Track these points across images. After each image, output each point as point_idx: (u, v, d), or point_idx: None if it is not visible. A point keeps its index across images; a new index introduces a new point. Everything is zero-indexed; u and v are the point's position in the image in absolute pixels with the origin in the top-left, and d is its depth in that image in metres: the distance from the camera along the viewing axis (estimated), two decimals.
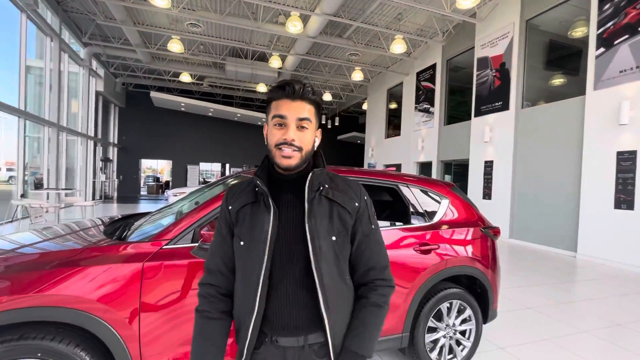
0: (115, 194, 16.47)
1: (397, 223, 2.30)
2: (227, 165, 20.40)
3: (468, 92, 9.62)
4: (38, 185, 8.55)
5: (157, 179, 22.03)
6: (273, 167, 0.94)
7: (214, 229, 1.62)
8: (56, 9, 9.53)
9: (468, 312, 2.33)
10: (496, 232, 2.60)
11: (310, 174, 0.91)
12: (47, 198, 8.51)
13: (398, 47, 10.04)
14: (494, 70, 8.56)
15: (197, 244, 1.63)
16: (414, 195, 2.37)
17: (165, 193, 19.45)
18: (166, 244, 1.62)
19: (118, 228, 2.08)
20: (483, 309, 2.42)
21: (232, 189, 1.01)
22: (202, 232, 1.63)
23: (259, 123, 19.40)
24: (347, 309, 0.93)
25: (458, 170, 10.79)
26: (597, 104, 6.20)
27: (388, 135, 14.41)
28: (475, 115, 9.09)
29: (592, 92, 6.28)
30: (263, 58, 13.20)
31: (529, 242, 7.55)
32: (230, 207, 0.96)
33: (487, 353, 2.59)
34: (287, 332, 0.89)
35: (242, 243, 0.91)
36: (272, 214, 0.88)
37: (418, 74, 11.90)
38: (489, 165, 8.65)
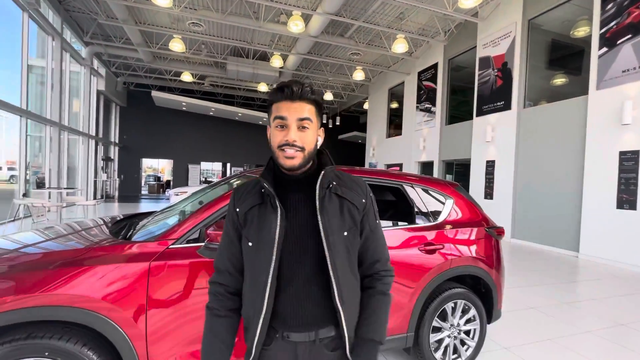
0: (117, 194, 16.49)
1: (401, 223, 2.30)
2: (228, 165, 20.41)
3: (470, 92, 9.61)
4: (40, 184, 8.56)
5: (158, 179, 22.05)
6: (278, 168, 0.96)
7: (219, 228, 1.62)
8: (58, 8, 9.53)
9: (472, 312, 2.33)
10: (500, 232, 2.60)
11: (323, 172, 0.93)
12: (49, 197, 8.51)
13: (400, 46, 10.03)
14: (496, 70, 8.54)
15: (203, 244, 1.63)
16: (419, 195, 2.37)
17: (166, 192, 19.48)
18: (172, 244, 1.62)
19: (123, 227, 2.08)
20: (487, 308, 2.41)
21: (238, 190, 1.02)
22: (208, 231, 1.63)
23: (260, 122, 19.40)
24: (356, 301, 0.97)
25: (459, 170, 10.78)
26: (599, 104, 6.19)
27: (389, 135, 14.40)
28: (477, 115, 9.08)
29: (595, 91, 6.27)
30: (264, 57, 13.19)
31: (530, 242, 7.54)
32: (237, 209, 0.98)
33: (491, 353, 2.59)
34: (298, 328, 0.91)
35: (250, 244, 0.93)
36: (279, 214, 0.89)
37: (419, 73, 11.89)
38: (490, 165, 8.64)
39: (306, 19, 9.50)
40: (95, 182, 13.53)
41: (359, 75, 13.17)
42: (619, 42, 5.91)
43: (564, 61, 8.27)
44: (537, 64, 8.06)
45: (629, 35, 5.75)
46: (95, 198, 13.08)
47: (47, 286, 1.37)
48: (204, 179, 20.00)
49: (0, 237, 1.94)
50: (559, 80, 8.24)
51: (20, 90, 8.12)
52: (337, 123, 19.07)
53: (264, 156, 20.36)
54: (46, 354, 1.37)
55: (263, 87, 15.55)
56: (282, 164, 0.91)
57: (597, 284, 4.69)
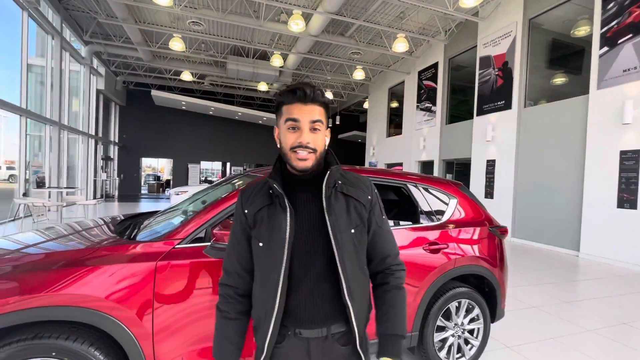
0: (116, 193, 16.47)
1: (406, 222, 2.30)
2: (228, 164, 20.40)
3: (470, 91, 9.61)
4: (40, 183, 8.54)
5: (157, 178, 22.02)
6: (286, 168, 0.97)
7: (225, 228, 1.63)
8: (57, 7, 9.50)
9: (476, 311, 2.33)
10: (503, 231, 2.60)
11: (329, 171, 0.95)
12: (49, 197, 8.50)
13: (400, 45, 10.03)
14: (496, 69, 8.54)
15: (209, 243, 1.63)
16: (422, 195, 2.37)
17: (166, 192, 19.46)
18: (178, 243, 1.62)
19: (128, 227, 2.07)
20: (491, 308, 2.42)
21: (245, 191, 1.03)
22: (214, 231, 1.63)
23: (260, 122, 19.39)
24: (366, 297, 0.99)
25: (460, 169, 10.80)
26: (600, 103, 6.20)
27: (389, 134, 14.40)
28: (478, 115, 9.08)
29: (596, 91, 6.28)
30: (264, 57, 13.17)
31: (531, 241, 7.55)
32: (246, 211, 0.98)
33: (494, 352, 2.60)
34: (310, 325, 0.93)
35: (261, 244, 0.94)
36: (288, 214, 0.91)
37: (420, 72, 11.88)
38: (491, 165, 8.65)
39: (306, 18, 9.48)
40: (95, 181, 13.50)
41: (359, 74, 13.15)
42: (619, 41, 5.92)
43: (564, 60, 8.28)
44: (537, 64, 8.07)
45: (630, 35, 5.76)
46: (95, 197, 13.06)
47: (54, 286, 1.37)
48: (203, 179, 19.97)
49: (5, 238, 1.94)
50: (560, 80, 8.25)
51: (20, 89, 8.10)
52: (337, 122, 19.07)
53: (264, 155, 20.36)
54: (53, 354, 1.37)
55: (263, 87, 15.53)
56: (295, 166, 0.92)
57: (597, 283, 4.71)
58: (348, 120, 21.13)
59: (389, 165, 13.73)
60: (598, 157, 6.19)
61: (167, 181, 21.14)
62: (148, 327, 1.50)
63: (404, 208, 2.41)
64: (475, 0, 7.28)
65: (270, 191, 0.96)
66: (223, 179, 3.12)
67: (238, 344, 0.99)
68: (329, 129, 1.00)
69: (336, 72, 14.55)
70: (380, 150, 14.83)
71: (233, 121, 19.37)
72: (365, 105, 16.91)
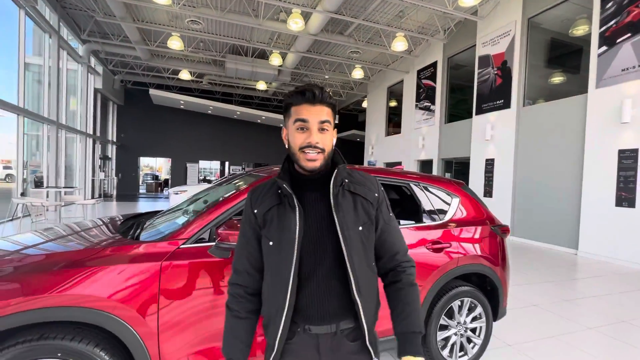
0: (115, 192, 16.40)
1: (409, 222, 2.31)
2: (227, 163, 20.36)
3: (469, 90, 9.63)
4: (38, 183, 8.50)
5: (155, 177, 21.95)
6: (294, 168, 0.99)
7: (230, 228, 1.62)
8: (55, 6, 9.43)
9: (479, 309, 2.34)
10: (505, 230, 2.61)
11: (336, 170, 0.97)
12: (47, 196, 8.46)
13: (399, 44, 10.03)
14: (495, 69, 8.56)
15: (214, 243, 1.62)
16: (425, 194, 2.38)
17: (165, 191, 19.40)
18: (183, 243, 1.62)
19: (131, 227, 2.07)
20: (493, 306, 2.43)
21: (254, 192, 1.04)
22: (218, 231, 1.63)
23: (259, 121, 19.35)
24: (374, 294, 1.00)
25: (458, 169, 10.83)
26: (599, 102, 6.23)
27: (388, 133, 14.41)
28: (477, 114, 9.10)
29: (594, 90, 6.30)
30: (263, 55, 13.14)
31: (530, 240, 7.59)
32: (256, 211, 1.00)
33: (496, 350, 2.61)
34: (319, 321, 0.94)
35: (271, 243, 0.96)
36: (298, 214, 0.92)
37: (419, 71, 11.89)
38: (490, 163, 8.68)
39: (306, 16, 9.46)
40: (93, 181, 13.44)
41: (357, 73, 13.15)
42: (618, 40, 5.94)
43: (563, 60, 8.31)
44: (536, 63, 8.09)
45: (629, 34, 5.79)
46: (93, 197, 13.01)
47: (59, 287, 1.36)
48: (202, 178, 19.93)
49: (4, 239, 1.93)
50: (558, 79, 8.27)
51: (17, 88, 8.04)
52: (336, 121, 18.94)
53: (262, 155, 20.34)
54: (59, 354, 1.37)
55: (262, 86, 15.49)
56: (304, 166, 0.94)
57: (596, 281, 4.74)
58: (347, 120, 21.13)
59: (388, 164, 13.74)
60: (596, 156, 6.22)
61: (166, 180, 21.09)
62: (153, 327, 1.49)
63: (407, 207, 2.42)
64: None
65: (279, 191, 0.98)
66: (225, 178, 3.11)
67: (247, 342, 1.01)
68: (335, 129, 1.01)
69: (335, 71, 14.54)
70: (379, 149, 14.84)
71: (232, 120, 19.32)
72: (364, 104, 16.91)
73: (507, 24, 8.23)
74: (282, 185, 0.95)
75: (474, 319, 2.35)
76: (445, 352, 2.25)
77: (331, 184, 0.95)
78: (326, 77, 14.80)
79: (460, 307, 2.30)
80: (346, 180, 0.99)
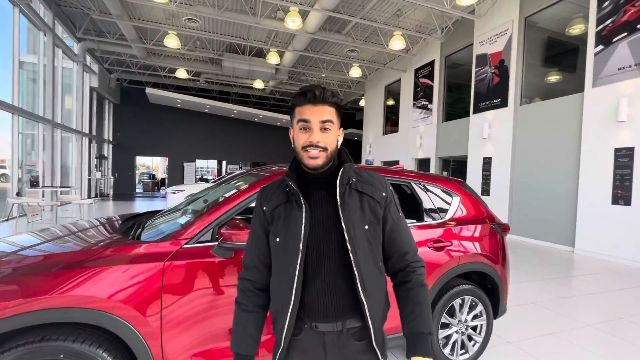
0: (111, 192, 16.29)
1: (410, 220, 2.31)
2: (224, 162, 20.29)
3: (466, 89, 9.66)
4: (34, 183, 8.42)
5: (152, 177, 21.83)
6: (301, 167, 1.00)
7: (233, 227, 1.61)
8: (49, 3, 9.33)
9: (479, 307, 2.35)
10: (505, 228, 2.63)
11: (342, 169, 0.98)
12: (43, 196, 8.38)
13: (397, 43, 10.03)
14: (492, 67, 8.59)
15: (216, 243, 1.62)
16: (426, 193, 2.38)
17: (161, 190, 19.31)
18: (186, 243, 1.61)
19: (131, 227, 2.05)
20: (493, 304, 2.44)
21: (264, 190, 1.07)
22: (221, 230, 1.62)
23: (256, 120, 19.29)
24: (381, 294, 1.00)
25: (456, 167, 10.87)
26: (595, 101, 6.27)
27: (386, 132, 14.43)
28: (474, 112, 9.14)
29: (591, 89, 6.35)
30: (260, 54, 13.09)
31: (527, 238, 7.64)
32: (264, 208, 1.03)
33: (496, 348, 2.63)
34: (326, 318, 0.95)
35: (277, 240, 0.98)
36: (304, 211, 0.94)
37: (416, 70, 11.91)
38: (487, 162, 8.72)
39: (303, 15, 9.43)
40: (89, 180, 13.34)
41: (355, 72, 13.14)
42: (614, 40, 5.98)
43: (560, 59, 8.35)
44: (533, 62, 8.13)
45: (625, 33, 5.83)
46: (89, 196, 12.91)
47: (60, 288, 1.35)
48: (199, 177, 19.84)
49: (3, 241, 1.91)
50: (555, 78, 8.32)
51: (11, 86, 7.95)
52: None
53: (260, 154, 20.29)
54: (61, 356, 1.36)
55: (259, 84, 15.44)
56: (306, 164, 0.96)
57: (593, 279, 4.78)
58: (344, 118, 20.73)
59: (386, 163, 13.77)
60: (593, 154, 6.27)
61: (162, 180, 20.98)
62: (156, 328, 1.49)
63: (408, 206, 2.42)
64: None
65: (287, 189, 1.00)
66: (223, 177, 3.09)
67: (256, 337, 1.02)
68: (341, 128, 1.02)
69: (332, 70, 14.52)
70: (377, 148, 14.86)
71: (229, 119, 19.25)
72: (362, 103, 16.91)
73: (504, 23, 8.26)
74: (289, 183, 0.97)
75: (474, 317, 2.36)
76: (446, 350, 2.26)
77: (337, 183, 0.96)
78: (323, 75, 14.78)
79: (462, 306, 2.31)
80: (353, 179, 0.99)
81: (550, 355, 2.57)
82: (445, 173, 11.03)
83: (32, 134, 9.67)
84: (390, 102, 14.43)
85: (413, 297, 0.99)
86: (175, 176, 18.65)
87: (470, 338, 2.36)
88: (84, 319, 1.39)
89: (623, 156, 5.81)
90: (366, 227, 0.96)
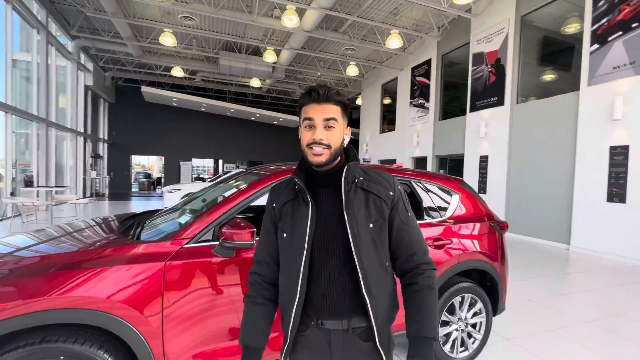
0: (107, 191, 16.16)
1: None
2: (220, 161, 20.20)
3: (463, 88, 9.69)
4: (28, 182, 8.32)
5: (148, 176, 21.68)
6: (309, 166, 1.02)
7: (233, 227, 1.60)
8: (43, 0, 9.20)
9: (479, 305, 2.37)
10: (503, 226, 2.64)
11: (346, 167, 1.00)
12: (38, 196, 8.29)
13: (394, 42, 10.03)
14: (489, 66, 8.63)
15: (218, 243, 1.61)
16: (426, 191, 2.39)
17: (157, 190, 19.19)
18: (187, 243, 1.60)
19: (131, 227, 2.03)
20: (493, 302, 2.46)
21: (275, 188, 1.11)
22: (222, 230, 1.61)
23: (252, 118, 19.22)
24: (387, 293, 0.99)
25: (453, 165, 10.91)
26: (591, 100, 6.32)
27: (383, 131, 14.45)
28: (471, 111, 9.17)
29: (586, 87, 6.39)
30: (257, 52, 13.03)
31: (523, 235, 7.69)
32: (274, 205, 1.06)
33: (495, 345, 2.64)
34: (331, 316, 0.96)
35: (285, 235, 1.01)
36: (310, 208, 0.96)
37: (413, 69, 11.92)
38: (484, 160, 8.76)
39: (300, 13, 9.40)
40: (84, 179, 13.22)
41: (352, 70, 13.12)
42: (610, 38, 6.03)
43: (555, 57, 8.41)
44: (529, 60, 8.17)
45: (620, 32, 5.87)
46: (84, 196, 12.80)
47: (59, 289, 1.34)
48: (195, 176, 19.75)
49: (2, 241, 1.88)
50: (551, 76, 8.38)
51: (4, 85, 7.84)
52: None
53: (257, 152, 20.23)
54: (62, 357, 1.34)
55: (256, 83, 15.38)
56: (310, 161, 0.98)
57: (589, 276, 4.83)
58: None
59: (382, 162, 13.79)
60: (588, 153, 6.32)
61: (158, 179, 20.84)
62: (157, 328, 1.48)
63: None
64: None
65: (296, 187, 1.02)
66: (224, 177, 3.08)
67: (264, 329, 1.03)
68: (349, 127, 1.03)
69: (329, 68, 14.50)
70: (374, 146, 14.88)
71: (225, 118, 19.16)
72: (358, 101, 16.91)
73: (500, 21, 8.29)
74: (297, 181, 0.99)
75: (474, 315, 2.37)
76: (446, 348, 2.27)
77: (342, 181, 0.98)
78: (318, 73, 14.75)
79: (461, 303, 2.32)
80: (360, 178, 1.00)
81: (549, 351, 2.60)
82: (442, 172, 11.07)
83: (26, 133, 9.55)
84: (387, 101, 14.44)
85: (419, 299, 0.97)
86: (172, 175, 18.54)
87: (470, 335, 2.38)
88: (84, 320, 1.37)
89: (618, 154, 5.86)
90: (371, 225, 0.97)
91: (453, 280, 2.29)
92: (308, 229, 0.95)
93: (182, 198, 3.04)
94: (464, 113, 9.55)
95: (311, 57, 13.32)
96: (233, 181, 2.46)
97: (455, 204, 2.46)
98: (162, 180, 19.04)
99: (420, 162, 11.77)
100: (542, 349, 2.63)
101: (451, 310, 2.29)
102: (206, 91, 18.20)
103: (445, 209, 2.41)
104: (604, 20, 6.13)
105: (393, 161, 13.06)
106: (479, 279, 2.53)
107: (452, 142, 10.09)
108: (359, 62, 13.10)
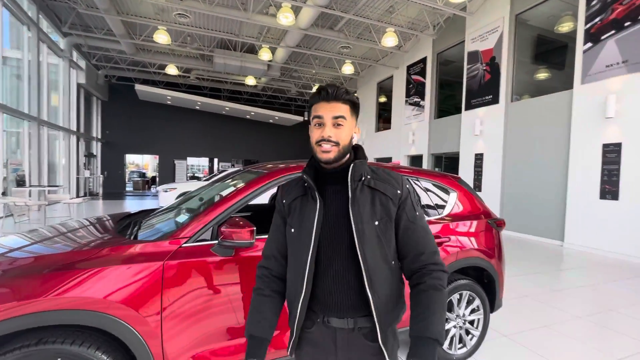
0: (101, 191, 15.98)
1: None
2: (216, 160, 20.08)
3: (458, 86, 9.74)
4: (20, 182, 8.20)
5: (142, 175, 21.49)
6: (319, 163, 1.04)
7: (232, 226, 1.59)
8: None
9: (477, 302, 2.38)
10: (500, 223, 2.66)
11: (352, 165, 1.01)
12: (30, 195, 8.17)
13: (389, 40, 10.03)
14: (484, 64, 8.67)
15: (217, 241, 1.59)
16: (424, 190, 2.39)
17: (152, 189, 19.03)
18: (185, 242, 1.58)
19: (127, 226, 2.01)
20: (490, 298, 2.48)
21: (285, 185, 1.14)
22: (221, 229, 1.59)
23: (248, 117, 19.12)
24: (391, 292, 0.99)
25: (448, 164, 10.98)
26: (584, 98, 6.39)
27: (378, 129, 14.48)
28: (466, 109, 9.22)
29: (580, 86, 6.46)
30: (252, 50, 12.96)
31: (518, 233, 7.77)
32: (284, 201, 1.09)
33: (492, 341, 2.67)
34: (337, 313, 0.97)
35: (293, 230, 1.03)
36: (318, 204, 0.98)
37: (408, 67, 11.95)
38: (479, 158, 8.82)
39: (296, 11, 9.35)
40: (77, 179, 13.06)
41: (347, 69, 13.11)
42: (603, 37, 6.09)
43: (549, 56, 8.48)
44: (524, 59, 8.23)
45: (613, 31, 5.94)
46: (78, 196, 12.65)
47: (56, 289, 1.31)
48: (191, 175, 19.61)
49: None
50: (545, 75, 8.45)
51: None
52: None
53: (252, 151, 20.14)
54: (58, 359, 1.32)
55: (251, 81, 15.29)
56: (319, 158, 1.00)
57: (582, 272, 4.89)
58: None
59: (378, 160, 13.82)
60: (582, 150, 6.40)
61: (153, 178, 20.67)
62: (156, 328, 1.46)
63: None
64: None
65: (305, 184, 1.05)
66: (221, 175, 3.06)
67: (271, 321, 1.02)
68: (358, 127, 1.06)
69: (325, 67, 14.47)
70: (369, 144, 14.90)
71: (220, 116, 19.04)
72: None
73: (495, 20, 8.34)
74: (306, 177, 1.02)
75: (472, 312, 2.39)
76: (445, 345, 2.28)
77: (349, 178, 0.99)
78: (314, 72, 14.71)
79: (459, 300, 2.33)
80: (368, 176, 1.02)
81: (545, 346, 2.63)
82: (437, 169, 11.13)
83: (17, 132, 9.40)
84: (383, 99, 14.47)
85: (424, 299, 0.93)
86: (166, 174, 18.39)
87: (467, 332, 2.40)
88: (81, 321, 1.35)
89: (611, 152, 5.94)
90: (376, 223, 0.97)
91: (451, 278, 2.30)
92: (315, 225, 0.96)
93: (177, 197, 3.02)
94: (459, 111, 9.60)
95: (307, 55, 13.28)
96: (230, 180, 2.45)
97: (452, 202, 2.47)
98: (157, 179, 18.88)
99: (416, 160, 11.82)
100: (538, 344, 2.66)
101: (449, 308, 2.30)
102: (201, 89, 18.06)
103: (442, 207, 2.42)
104: (597, 19, 6.20)
105: (389, 159, 13.10)
106: (477, 276, 2.54)
107: (448, 141, 10.14)
108: (354, 60, 13.09)
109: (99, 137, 16.65)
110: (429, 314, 0.91)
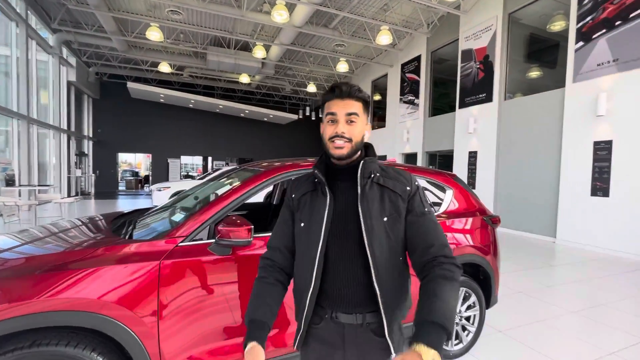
0: (93, 190, 15.76)
1: None
2: (210, 159, 19.94)
3: (452, 84, 9.79)
4: (10, 181, 8.04)
5: (135, 174, 21.25)
6: (329, 159, 1.05)
7: (229, 224, 1.57)
8: None
9: (473, 298, 2.40)
10: (495, 220, 2.68)
11: (362, 162, 1.02)
12: (20, 195, 8.03)
13: (384, 38, 10.04)
14: (477, 63, 8.73)
15: (213, 240, 1.58)
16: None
17: (145, 188, 18.83)
18: (182, 241, 1.56)
19: (123, 225, 1.98)
20: (486, 295, 2.50)
21: (295, 180, 1.16)
22: (218, 227, 1.58)
23: (242, 115, 19.00)
24: (399, 288, 1.00)
25: (442, 161, 11.05)
26: (575, 96, 6.47)
27: (373, 127, 14.50)
28: (460, 107, 9.28)
29: (571, 84, 6.54)
30: (246, 48, 12.86)
31: (511, 229, 7.86)
32: (293, 195, 1.11)
33: (488, 337, 2.69)
34: (345, 309, 0.98)
35: (302, 224, 1.04)
36: (328, 199, 1.00)
37: (403, 65, 11.98)
38: (473, 156, 8.89)
39: (290, 8, 9.30)
40: (69, 178, 12.86)
41: (342, 67, 13.10)
42: (594, 36, 6.17)
43: (542, 54, 8.57)
44: (517, 57, 8.31)
45: (604, 30, 6.02)
46: (70, 195, 12.46)
47: (50, 290, 1.29)
48: (184, 174, 19.44)
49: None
50: (537, 73, 8.53)
51: None
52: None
53: (246, 149, 20.04)
54: None
55: (245, 79, 15.19)
56: (332, 154, 1.01)
57: (575, 267, 4.97)
58: None
59: (378, 158, 13.83)
60: (573, 148, 6.48)
61: (146, 177, 20.45)
62: (153, 328, 1.44)
63: None
64: None
65: (315, 179, 1.06)
66: (216, 174, 3.03)
67: (272, 307, 1.01)
68: (369, 124, 1.07)
69: (319, 65, 14.44)
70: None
71: (214, 114, 18.88)
72: None
73: (488, 18, 8.39)
74: (316, 173, 1.04)
75: (468, 308, 2.41)
76: None
77: (358, 175, 1.01)
78: (308, 69, 14.66)
79: None
80: (377, 174, 1.03)
81: (539, 342, 2.66)
82: (431, 167, 11.19)
83: (5, 131, 9.21)
84: (377, 97, 14.49)
85: (431, 289, 0.87)
86: (160, 173, 18.19)
87: (464, 328, 2.41)
88: (76, 322, 1.33)
89: (602, 149, 6.03)
90: (385, 219, 0.98)
91: None
92: (325, 219, 0.98)
93: (171, 196, 2.99)
94: (453, 109, 9.66)
95: (301, 53, 13.23)
96: (225, 178, 2.43)
97: (448, 199, 2.48)
98: (150, 178, 18.68)
99: (411, 158, 11.88)
100: (533, 339, 2.70)
101: None
102: (194, 87, 17.88)
103: (439, 204, 2.43)
104: (588, 18, 6.27)
105: (384, 157, 13.13)
106: (473, 272, 2.56)
107: (442, 138, 10.20)
108: (349, 58, 13.08)
109: (91, 135, 16.40)
110: (435, 300, 0.84)
